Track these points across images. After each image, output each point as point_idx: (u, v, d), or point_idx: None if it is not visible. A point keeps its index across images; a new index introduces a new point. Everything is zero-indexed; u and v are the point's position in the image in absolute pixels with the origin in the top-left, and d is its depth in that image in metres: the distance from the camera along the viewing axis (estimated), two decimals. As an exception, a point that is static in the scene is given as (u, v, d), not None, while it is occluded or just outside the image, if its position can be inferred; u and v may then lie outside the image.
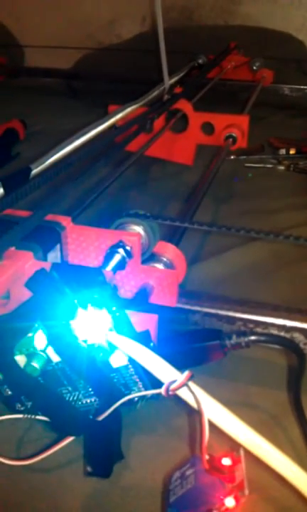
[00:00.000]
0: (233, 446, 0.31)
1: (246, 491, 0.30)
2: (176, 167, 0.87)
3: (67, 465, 0.37)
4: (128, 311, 0.34)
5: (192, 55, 1.17)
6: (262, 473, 0.31)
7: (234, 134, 0.81)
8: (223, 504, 0.29)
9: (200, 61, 1.14)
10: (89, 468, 0.35)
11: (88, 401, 0.35)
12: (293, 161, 0.89)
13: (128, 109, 0.74)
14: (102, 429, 0.35)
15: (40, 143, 0.91)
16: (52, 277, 0.33)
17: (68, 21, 1.48)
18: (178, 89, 0.87)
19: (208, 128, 0.84)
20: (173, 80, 0.96)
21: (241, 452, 0.31)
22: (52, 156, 0.53)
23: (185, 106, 0.83)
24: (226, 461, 0.31)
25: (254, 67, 1.16)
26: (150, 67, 1.11)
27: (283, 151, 0.91)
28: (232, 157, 0.91)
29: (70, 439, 0.36)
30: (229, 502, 0.29)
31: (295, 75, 1.29)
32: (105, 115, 0.71)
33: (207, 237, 0.65)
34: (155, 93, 0.84)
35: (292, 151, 0.91)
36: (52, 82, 1.44)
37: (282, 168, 0.89)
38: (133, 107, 0.75)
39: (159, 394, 0.31)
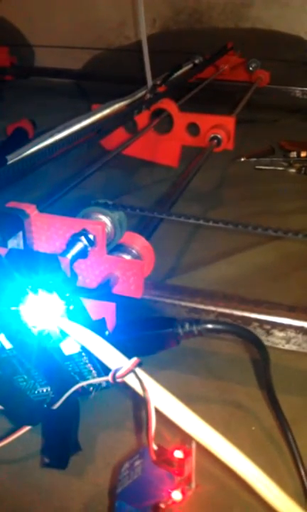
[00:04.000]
0: (185, 438, 0.30)
1: (193, 485, 0.29)
2: (163, 170, 0.87)
3: (27, 456, 0.37)
4: (86, 300, 0.34)
5: (188, 55, 1.17)
6: (219, 463, 0.30)
7: (219, 136, 0.79)
8: (170, 497, 0.29)
9: (196, 61, 1.13)
10: (45, 459, 0.35)
11: (44, 390, 0.35)
12: (304, 163, 0.89)
13: (109, 109, 0.74)
14: (58, 419, 0.34)
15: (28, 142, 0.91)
16: (3, 263, 0.32)
17: (78, 23, 1.50)
18: (161, 89, 0.87)
19: (194, 129, 0.83)
20: (159, 81, 0.95)
21: (193, 445, 0.30)
22: (29, 149, 0.53)
23: (168, 105, 0.82)
24: (178, 454, 0.30)
25: (251, 68, 1.15)
26: (158, 68, 1.12)
27: (294, 154, 0.91)
28: (242, 159, 0.91)
29: (26, 428, 0.35)
30: (176, 495, 0.29)
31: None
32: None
33: (218, 239, 0.65)
34: (139, 93, 0.84)
35: (303, 154, 0.91)
36: (62, 82, 1.45)
37: (293, 170, 0.88)
38: (116, 106, 0.75)
39: (113, 384, 0.31)
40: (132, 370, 0.29)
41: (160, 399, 0.29)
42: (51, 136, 0.58)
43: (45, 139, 0.57)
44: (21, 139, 0.97)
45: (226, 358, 0.46)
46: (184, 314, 0.41)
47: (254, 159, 0.91)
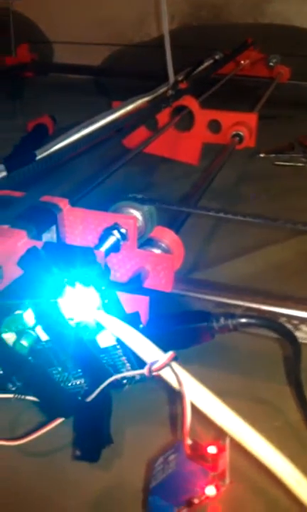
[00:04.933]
0: (219, 434, 0.30)
1: (228, 480, 0.29)
2: (183, 167, 0.86)
3: (55, 449, 0.37)
4: (119, 293, 0.34)
5: (209, 51, 1.17)
6: (250, 463, 0.30)
7: (241, 133, 0.79)
8: (204, 493, 0.29)
9: (217, 57, 1.13)
10: (77, 452, 0.35)
11: (78, 382, 0.35)
12: None
13: (131, 105, 0.74)
14: (91, 412, 0.35)
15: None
16: (41, 256, 0.33)
17: (97, 19, 1.50)
18: (183, 85, 0.86)
19: (215, 126, 0.82)
20: (181, 77, 0.95)
21: (227, 441, 0.30)
22: (56, 145, 0.54)
23: (190, 102, 0.82)
24: (211, 449, 0.30)
25: (271, 64, 1.15)
26: (177, 64, 1.12)
27: None
28: (262, 155, 0.90)
29: (59, 420, 0.36)
30: (210, 491, 0.28)
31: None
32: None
33: (237, 235, 0.64)
34: (160, 90, 0.84)
35: None
36: (80, 79, 1.45)
37: None
38: (137, 102, 0.75)
39: (148, 377, 0.31)
40: (168, 364, 0.29)
41: (196, 393, 0.29)
42: (77, 132, 0.59)
43: (71, 136, 0.57)
44: (42, 135, 0.98)
45: (249, 353, 0.45)
46: (210, 309, 0.41)
47: (273, 155, 0.90)
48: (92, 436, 0.35)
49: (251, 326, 0.33)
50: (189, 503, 0.29)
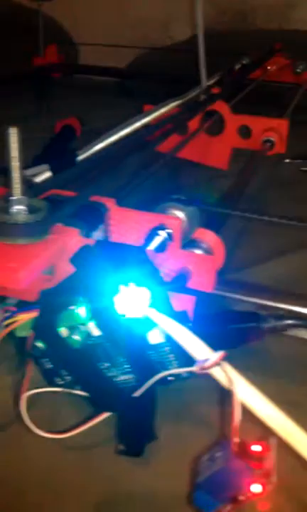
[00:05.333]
0: (266, 434, 0.31)
1: (274, 479, 0.29)
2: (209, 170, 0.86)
3: (95, 443, 0.37)
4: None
5: (237, 56, 1.18)
6: (294, 473, 0.31)
7: (272, 139, 0.80)
8: (249, 490, 0.29)
9: (245, 62, 1.14)
10: (121, 447, 0.36)
11: (125, 378, 0.36)
12: None
13: (163, 109, 0.75)
14: (137, 407, 0.36)
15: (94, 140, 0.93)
16: (95, 254, 0.34)
17: (123, 22, 1.51)
18: (215, 90, 0.87)
19: (245, 131, 0.83)
20: (212, 81, 0.96)
21: (274, 441, 0.31)
22: (95, 146, 0.55)
23: (221, 107, 0.82)
24: (257, 448, 0.31)
25: (298, 70, 1.15)
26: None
27: None
28: (287, 160, 0.90)
29: (106, 415, 0.36)
30: (256, 488, 0.29)
31: None
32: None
33: (266, 238, 0.65)
34: (192, 94, 0.84)
35: None
36: (105, 81, 1.46)
37: None
38: (169, 106, 0.76)
39: (193, 376, 0.32)
40: (218, 363, 0.30)
41: (246, 393, 0.30)
42: (113, 134, 0.60)
43: (108, 138, 0.58)
44: (69, 136, 0.99)
45: (281, 356, 0.46)
46: (247, 310, 0.42)
47: (300, 161, 0.91)
48: (137, 431, 0.36)
49: (300, 328, 0.33)
50: (234, 500, 0.29)
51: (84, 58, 1.61)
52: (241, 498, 0.29)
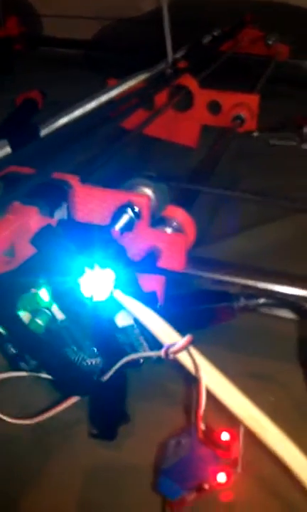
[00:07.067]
0: (233, 423, 0.30)
1: (239, 469, 0.29)
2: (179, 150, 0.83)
3: (72, 426, 0.37)
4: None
5: (201, 28, 1.14)
6: (262, 456, 0.30)
7: (242, 115, 0.77)
8: (215, 479, 0.29)
9: (215, 33, 1.10)
10: (94, 431, 0.35)
11: (93, 362, 0.35)
12: None
13: (129, 83, 0.72)
14: (107, 390, 0.35)
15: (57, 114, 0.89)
16: (58, 234, 0.32)
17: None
18: (182, 64, 0.83)
19: (214, 107, 0.79)
20: (179, 54, 0.92)
21: (241, 430, 0.30)
22: (58, 121, 0.52)
23: (189, 82, 0.78)
24: (224, 436, 0.30)
25: (270, 42, 1.13)
26: (173, 40, 1.09)
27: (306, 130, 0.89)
28: (255, 134, 0.88)
29: (74, 399, 0.35)
30: (221, 477, 0.29)
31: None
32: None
33: (236, 213, 0.64)
34: (159, 68, 0.81)
35: None
36: (70, 53, 1.40)
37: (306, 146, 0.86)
38: (134, 80, 0.73)
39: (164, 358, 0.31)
40: (186, 348, 0.29)
41: (212, 379, 0.29)
42: (78, 108, 0.57)
43: (72, 112, 0.56)
44: (30, 109, 0.95)
45: (251, 333, 0.45)
46: (208, 286, 0.41)
47: (267, 134, 0.89)
48: (108, 414, 0.35)
49: (271, 306, 0.32)
50: (199, 488, 0.29)
51: (48, 30, 1.54)
52: (206, 486, 0.29)
